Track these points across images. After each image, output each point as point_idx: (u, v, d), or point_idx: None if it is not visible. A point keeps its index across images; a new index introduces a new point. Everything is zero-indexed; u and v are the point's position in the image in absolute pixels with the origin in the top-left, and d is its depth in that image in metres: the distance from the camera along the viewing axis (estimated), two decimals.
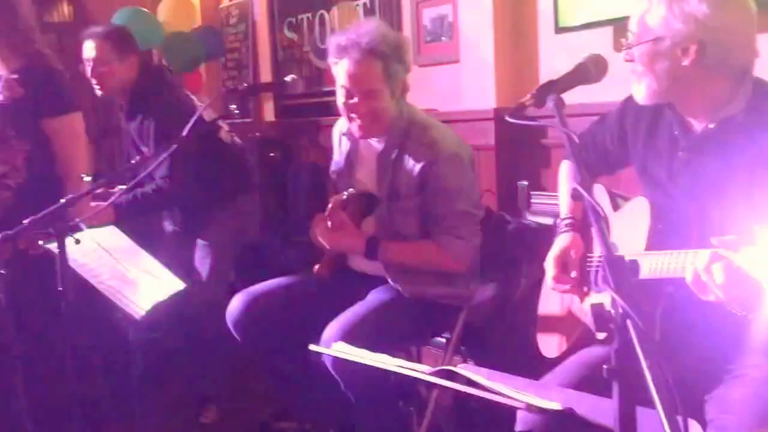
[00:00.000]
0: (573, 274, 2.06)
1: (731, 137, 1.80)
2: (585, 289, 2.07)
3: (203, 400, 3.62)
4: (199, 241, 3.53)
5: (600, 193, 2.15)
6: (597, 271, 2.04)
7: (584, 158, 2.18)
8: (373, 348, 1.66)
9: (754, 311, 1.64)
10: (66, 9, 6.99)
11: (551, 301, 2.24)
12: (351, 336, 2.36)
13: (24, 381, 3.06)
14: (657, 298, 1.76)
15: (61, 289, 2.29)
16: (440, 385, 1.46)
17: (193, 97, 3.58)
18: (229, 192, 3.53)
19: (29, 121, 2.98)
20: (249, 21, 5.37)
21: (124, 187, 2.66)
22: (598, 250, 2.06)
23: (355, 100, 2.60)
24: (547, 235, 2.25)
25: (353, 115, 2.63)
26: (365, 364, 1.58)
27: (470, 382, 1.40)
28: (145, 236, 2.89)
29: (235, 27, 5.53)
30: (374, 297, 2.68)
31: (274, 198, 4.73)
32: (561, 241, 2.12)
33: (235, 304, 2.81)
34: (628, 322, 1.20)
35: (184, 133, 3.26)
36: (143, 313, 2.52)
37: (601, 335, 1.82)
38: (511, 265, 2.84)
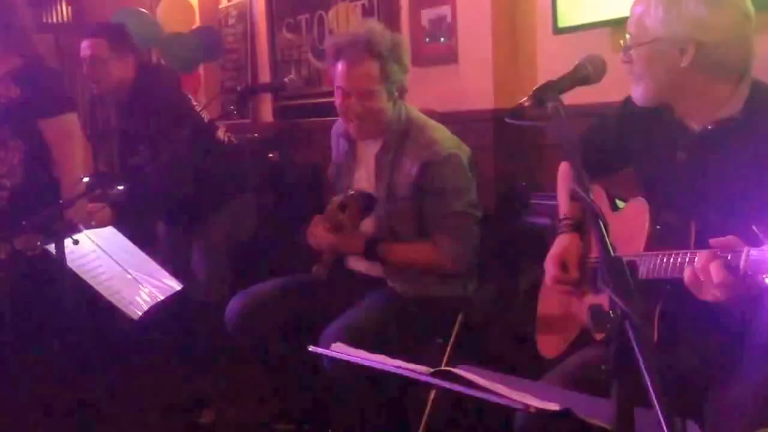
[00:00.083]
0: (572, 273, 2.06)
1: (729, 138, 1.80)
2: (584, 289, 2.07)
3: (201, 400, 3.61)
4: (195, 243, 3.52)
5: (599, 194, 2.15)
6: (596, 272, 2.04)
7: (583, 159, 2.18)
8: (373, 351, 1.66)
9: (752, 311, 1.64)
10: (65, 9, 6.99)
11: (550, 301, 2.24)
12: (350, 340, 2.36)
13: (22, 381, 3.06)
14: (655, 299, 1.77)
15: (59, 289, 2.29)
16: (439, 386, 1.46)
17: (191, 97, 3.58)
18: (225, 192, 3.52)
19: (25, 121, 2.99)
20: (248, 22, 5.37)
21: (122, 187, 2.66)
22: (597, 251, 2.06)
23: (352, 100, 2.60)
24: (545, 235, 2.25)
25: (350, 116, 2.64)
26: (364, 365, 1.58)
27: (469, 383, 1.40)
28: (140, 239, 2.89)
29: (234, 28, 5.53)
30: (372, 300, 2.68)
31: (272, 198, 4.72)
32: (560, 242, 2.13)
33: (234, 304, 2.81)
34: (627, 322, 1.20)
35: (184, 132, 3.28)
36: (141, 313, 2.52)
37: (599, 336, 1.82)
38: (510, 266, 2.84)
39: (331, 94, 2.77)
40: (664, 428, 1.10)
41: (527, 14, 3.35)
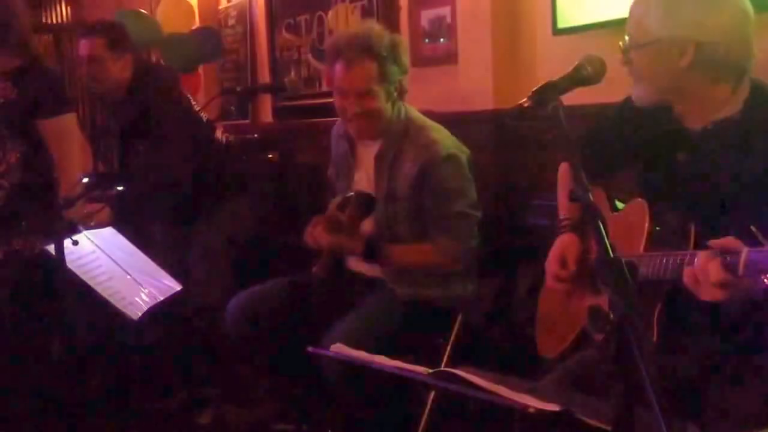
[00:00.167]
0: (572, 273, 2.06)
1: (729, 138, 1.80)
2: (584, 290, 2.07)
3: (200, 400, 3.61)
4: (193, 244, 3.52)
5: (598, 195, 2.15)
6: (595, 273, 2.04)
7: (582, 160, 2.18)
8: (373, 353, 1.66)
9: (752, 311, 1.64)
10: (64, 10, 7.00)
11: (550, 302, 2.24)
12: (351, 345, 2.36)
13: (22, 381, 3.06)
14: (655, 300, 1.76)
15: (59, 290, 2.29)
16: (438, 387, 1.46)
17: (190, 96, 3.58)
18: (223, 192, 3.51)
19: (23, 121, 2.99)
20: (247, 22, 5.36)
21: (122, 188, 2.66)
22: (596, 252, 2.06)
23: (350, 100, 2.60)
24: (545, 236, 2.25)
25: (348, 116, 2.64)
26: (363, 366, 1.58)
27: (468, 384, 1.40)
28: (136, 240, 2.88)
29: (234, 28, 5.52)
30: (372, 303, 2.68)
31: (272, 199, 4.72)
32: (560, 242, 2.13)
33: (234, 304, 2.81)
34: (626, 323, 1.20)
35: (183, 132, 3.28)
36: (140, 314, 2.52)
37: (598, 336, 1.82)
38: (509, 267, 2.85)
39: (330, 94, 2.77)
40: (663, 429, 1.10)
41: (527, 15, 3.35)
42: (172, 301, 2.72)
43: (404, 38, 3.17)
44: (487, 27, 3.35)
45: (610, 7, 2.85)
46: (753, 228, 1.48)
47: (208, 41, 5.17)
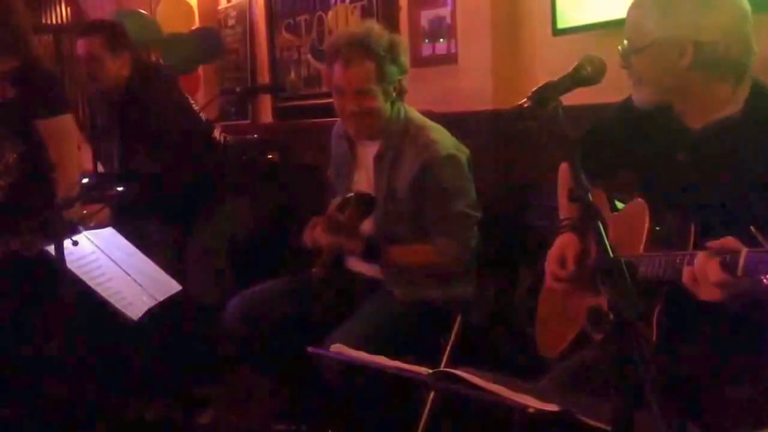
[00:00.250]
0: (572, 272, 2.06)
1: (730, 138, 1.80)
2: (583, 290, 2.07)
3: (200, 401, 3.61)
4: (191, 245, 3.51)
5: (598, 196, 2.15)
6: (595, 273, 2.04)
7: (582, 160, 2.18)
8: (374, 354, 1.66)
9: (751, 310, 1.64)
10: (64, 10, 7.00)
11: (550, 302, 2.25)
12: (351, 345, 2.36)
13: (21, 381, 3.06)
14: (654, 300, 1.76)
15: (59, 290, 2.29)
16: (438, 387, 1.46)
17: (188, 96, 3.57)
18: (220, 193, 3.51)
19: (21, 121, 2.99)
20: (247, 22, 5.36)
21: (121, 188, 2.66)
22: (596, 252, 2.06)
23: (348, 100, 2.61)
24: (544, 236, 2.25)
25: (346, 116, 2.65)
26: (363, 366, 1.58)
27: (468, 384, 1.41)
28: (135, 241, 2.88)
29: (234, 28, 5.53)
30: (372, 305, 2.68)
31: (272, 199, 4.72)
32: (560, 241, 2.13)
33: (233, 305, 2.82)
34: (626, 323, 1.20)
35: (182, 132, 3.28)
36: (140, 314, 2.52)
37: (598, 336, 1.82)
38: (509, 267, 2.85)
39: (330, 95, 2.77)
40: (663, 429, 1.10)
41: (526, 15, 3.35)
42: (171, 301, 2.72)
43: (404, 38, 3.17)
44: (486, 27, 3.36)
45: (610, 7, 2.85)
46: (752, 228, 1.48)
47: (207, 41, 5.17)
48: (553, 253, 2.11)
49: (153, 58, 5.33)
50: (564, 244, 2.11)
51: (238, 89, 5.43)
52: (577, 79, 1.75)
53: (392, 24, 3.91)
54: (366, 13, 4.19)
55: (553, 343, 2.15)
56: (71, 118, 3.15)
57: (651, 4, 1.82)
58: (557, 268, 2.07)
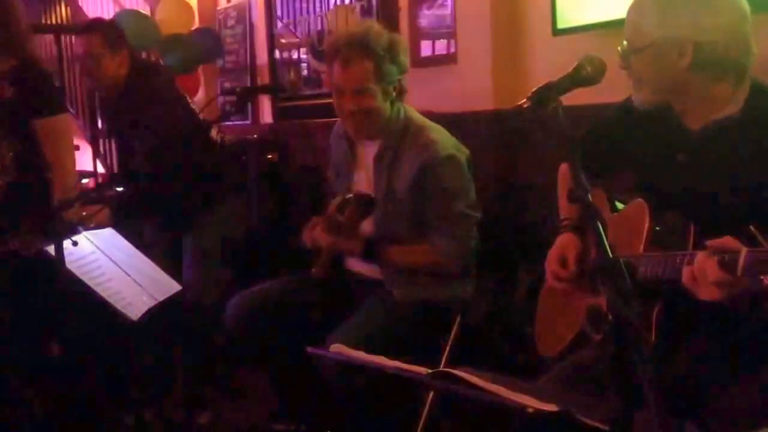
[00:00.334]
0: (573, 273, 2.06)
1: (729, 138, 1.80)
2: (583, 290, 2.07)
3: (200, 401, 3.61)
4: (186, 246, 3.51)
5: (598, 196, 2.15)
6: (595, 273, 2.04)
7: (582, 160, 2.18)
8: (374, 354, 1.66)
9: (750, 311, 1.64)
10: (64, 10, 7.00)
11: (549, 302, 2.25)
12: (350, 345, 2.36)
13: (21, 381, 3.06)
14: (654, 300, 1.76)
15: (58, 290, 2.29)
16: (437, 387, 1.46)
17: (186, 95, 3.57)
18: (218, 192, 3.51)
19: (18, 121, 2.99)
20: (247, 23, 5.37)
21: (121, 189, 2.66)
22: (596, 253, 2.06)
23: (346, 99, 2.61)
24: (544, 237, 2.25)
25: (346, 115, 2.65)
26: (362, 366, 1.58)
27: (467, 384, 1.41)
28: (131, 242, 2.88)
29: (233, 29, 5.53)
30: (371, 305, 2.67)
31: (272, 200, 4.73)
32: (560, 241, 2.13)
33: (233, 305, 2.81)
34: (625, 323, 1.20)
35: (181, 130, 3.27)
36: (140, 314, 2.52)
37: (597, 336, 1.82)
38: (508, 267, 2.85)
39: (330, 95, 2.77)
40: (661, 429, 1.10)
41: (526, 15, 3.35)
42: (170, 301, 2.72)
43: (404, 38, 3.17)
44: (486, 27, 3.36)
45: (610, 7, 2.86)
46: (752, 228, 1.48)
47: (207, 42, 5.18)
48: (553, 253, 2.11)
49: (152, 58, 5.33)
50: (565, 244, 2.11)
51: (237, 89, 5.42)
52: (576, 79, 1.75)
53: (392, 24, 3.91)
54: (366, 13, 4.20)
55: (552, 342, 2.15)
56: (68, 118, 3.15)
57: (651, 4, 1.82)
58: (558, 267, 2.07)
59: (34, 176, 3.04)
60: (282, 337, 2.78)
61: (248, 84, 5.37)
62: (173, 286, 2.79)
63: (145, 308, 2.55)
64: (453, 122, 3.06)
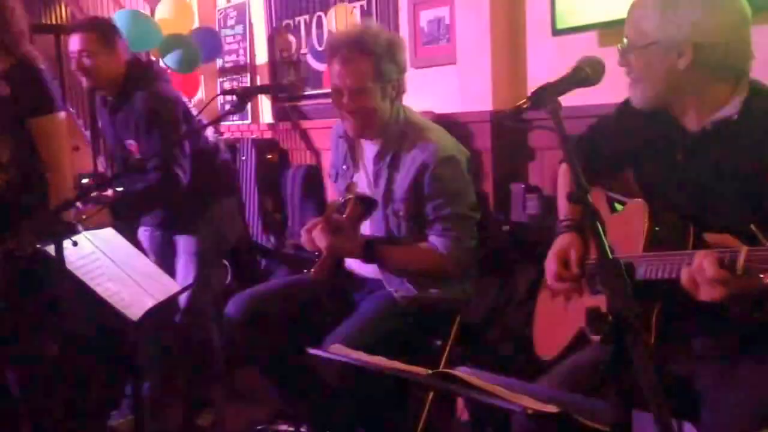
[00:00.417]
0: (573, 270, 2.06)
1: (728, 139, 1.81)
2: (582, 290, 2.07)
3: (199, 402, 3.61)
4: (181, 247, 3.50)
5: (597, 196, 2.16)
6: (594, 274, 2.04)
7: (582, 161, 2.18)
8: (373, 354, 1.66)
9: (750, 311, 1.64)
10: (64, 10, 7.00)
11: (548, 302, 2.25)
12: (350, 345, 2.36)
13: (21, 381, 3.06)
14: (653, 301, 1.77)
15: (58, 291, 2.29)
16: (437, 388, 1.46)
17: (180, 92, 3.57)
18: (211, 194, 3.50)
19: (15, 119, 2.99)
20: (247, 23, 5.37)
21: (120, 189, 2.66)
22: (595, 253, 2.06)
23: (345, 98, 2.61)
24: (543, 237, 2.25)
25: (345, 114, 2.65)
26: (362, 367, 1.58)
27: (467, 385, 1.41)
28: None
29: (233, 29, 5.53)
30: (371, 305, 2.67)
31: (271, 200, 4.73)
32: (561, 241, 2.13)
33: (233, 305, 2.81)
34: (624, 324, 1.20)
35: (178, 129, 3.27)
36: (140, 315, 2.52)
37: (596, 337, 1.82)
38: (507, 268, 2.85)
39: (329, 95, 2.78)
40: (661, 430, 1.10)
41: (526, 16, 3.36)
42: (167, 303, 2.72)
43: (403, 39, 3.17)
44: (486, 28, 3.36)
45: (609, 7, 2.86)
46: (753, 227, 1.48)
47: (207, 42, 5.17)
48: (554, 254, 2.11)
49: (152, 59, 5.33)
50: (566, 244, 2.11)
51: (237, 90, 5.43)
52: (575, 79, 1.75)
53: (391, 25, 3.91)
54: (365, 13, 4.20)
55: (551, 343, 2.15)
56: (63, 118, 3.15)
57: (653, 4, 1.82)
58: (561, 268, 2.07)
59: (31, 175, 3.04)
60: (282, 337, 2.78)
61: (248, 84, 5.37)
62: (173, 287, 2.79)
63: (145, 309, 2.55)
64: (452, 123, 3.06)
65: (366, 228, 2.73)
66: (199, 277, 3.44)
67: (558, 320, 2.17)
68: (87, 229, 2.66)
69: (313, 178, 4.52)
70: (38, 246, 2.42)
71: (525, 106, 1.72)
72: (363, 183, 2.79)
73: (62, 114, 3.12)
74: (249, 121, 5.40)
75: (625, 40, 1.89)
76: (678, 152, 1.90)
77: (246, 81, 5.42)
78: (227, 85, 5.64)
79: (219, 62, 5.62)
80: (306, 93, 4.75)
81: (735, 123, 1.80)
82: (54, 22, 7.08)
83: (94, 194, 2.97)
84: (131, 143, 3.35)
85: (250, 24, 5.34)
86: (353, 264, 2.82)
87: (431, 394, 2.52)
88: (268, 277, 3.04)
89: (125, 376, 3.46)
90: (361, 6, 4.23)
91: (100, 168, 5.46)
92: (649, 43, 1.81)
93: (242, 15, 5.42)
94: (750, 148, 1.77)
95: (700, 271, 1.53)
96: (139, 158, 3.30)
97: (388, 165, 2.67)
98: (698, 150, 1.86)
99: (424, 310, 2.65)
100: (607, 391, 1.22)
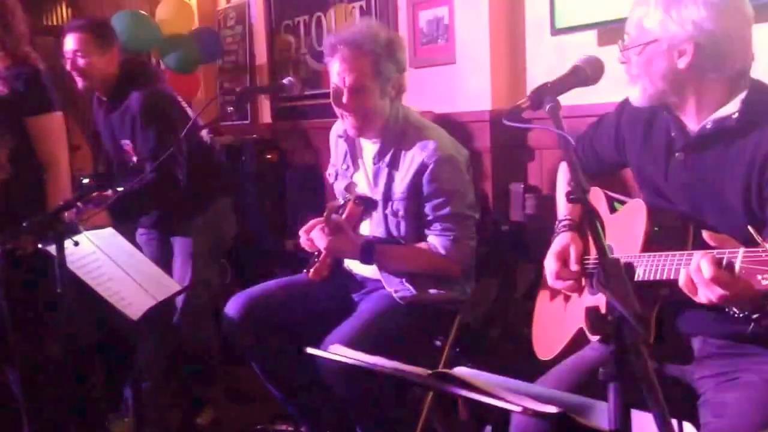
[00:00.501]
0: (572, 269, 2.06)
1: (727, 138, 1.81)
2: (581, 290, 2.08)
3: (199, 401, 3.61)
4: (177, 248, 3.50)
5: (597, 196, 2.16)
6: (593, 274, 2.04)
7: (581, 160, 2.19)
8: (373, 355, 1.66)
9: (748, 311, 1.64)
10: (64, 11, 7.00)
11: (547, 303, 2.25)
12: (349, 345, 2.36)
13: (21, 381, 3.06)
14: (653, 301, 1.77)
15: (59, 290, 2.29)
16: (436, 388, 1.46)
17: (177, 95, 3.56)
18: (206, 195, 3.50)
19: (12, 118, 3.00)
20: (246, 23, 5.37)
21: (120, 189, 2.65)
22: (594, 253, 2.06)
23: (344, 96, 2.61)
24: (542, 237, 2.25)
25: (344, 113, 2.65)
26: (361, 367, 1.58)
27: (466, 385, 1.41)
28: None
29: (233, 29, 5.53)
30: (370, 305, 2.68)
31: (271, 200, 4.73)
32: (560, 240, 2.13)
33: (233, 305, 2.81)
34: (623, 324, 1.20)
35: (174, 129, 3.27)
36: (140, 314, 2.52)
37: (596, 337, 1.82)
38: (507, 268, 2.85)
39: (328, 95, 2.77)
40: (661, 430, 1.10)
41: (525, 15, 3.35)
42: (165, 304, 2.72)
43: (403, 38, 3.17)
44: (485, 28, 3.35)
45: (608, 7, 2.86)
46: (750, 228, 1.48)
47: (207, 42, 5.17)
48: (553, 253, 2.11)
49: (152, 59, 5.33)
50: (565, 243, 2.11)
51: (237, 90, 5.43)
52: (574, 79, 1.76)
53: (390, 25, 3.91)
54: (364, 14, 4.20)
55: (550, 343, 2.15)
56: (60, 117, 3.15)
57: (655, 2, 1.81)
58: (560, 267, 2.07)
59: (29, 175, 3.04)
60: (282, 337, 2.78)
61: (247, 84, 5.37)
62: (174, 286, 2.79)
63: (145, 308, 2.56)
64: (451, 122, 3.06)
65: (366, 227, 2.73)
66: (195, 277, 3.44)
67: (558, 320, 2.17)
68: (86, 229, 2.66)
69: (312, 178, 4.52)
70: (39, 246, 2.43)
71: (524, 105, 1.72)
72: (362, 182, 2.79)
73: (60, 113, 3.13)
74: (249, 121, 5.40)
75: (626, 37, 1.89)
76: (677, 151, 1.90)
77: (245, 81, 5.42)
78: (227, 86, 5.64)
79: (219, 62, 5.62)
80: (305, 93, 4.75)
81: (735, 122, 1.80)
82: (55, 23, 7.07)
83: (94, 194, 2.96)
84: (127, 143, 3.35)
85: (250, 24, 5.34)
86: (353, 264, 2.82)
87: (431, 394, 2.51)
88: (267, 277, 3.02)
89: (125, 376, 3.46)
90: (360, 6, 4.23)
91: (101, 168, 5.46)
92: (650, 41, 1.81)
93: (242, 15, 5.42)
94: (750, 147, 1.77)
95: (697, 272, 1.53)
96: (137, 159, 3.31)
97: (387, 164, 2.67)
98: (698, 149, 1.86)
99: (424, 310, 2.65)
100: (607, 392, 1.22)
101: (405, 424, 2.59)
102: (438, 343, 2.70)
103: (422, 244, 2.65)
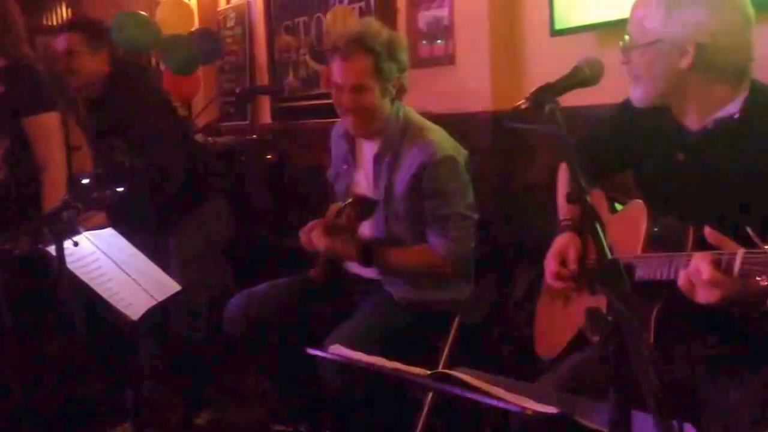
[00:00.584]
0: (573, 270, 2.06)
1: (728, 139, 1.81)
2: (581, 291, 2.08)
3: (199, 401, 3.61)
4: (172, 249, 3.50)
5: (597, 196, 2.16)
6: (593, 274, 2.04)
7: (581, 161, 2.18)
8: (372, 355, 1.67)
9: (747, 312, 1.64)
10: (64, 11, 7.01)
11: (547, 303, 2.25)
12: (349, 346, 2.37)
13: (21, 380, 3.06)
14: (653, 301, 1.77)
15: (59, 291, 2.29)
16: (436, 388, 1.46)
17: (170, 96, 3.56)
18: (201, 194, 3.50)
19: (9, 118, 3.00)
20: (246, 24, 5.37)
21: (120, 189, 2.65)
22: (594, 253, 2.06)
23: (345, 95, 2.61)
24: (542, 237, 2.25)
25: (344, 111, 2.65)
26: (361, 367, 1.58)
27: (466, 385, 1.41)
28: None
29: (233, 30, 5.53)
30: (370, 306, 2.68)
31: (270, 200, 4.73)
32: (560, 240, 2.13)
33: (233, 305, 2.82)
34: (623, 325, 1.20)
35: (167, 129, 3.27)
36: (140, 315, 2.52)
37: (596, 338, 1.82)
38: (507, 268, 2.85)
39: (328, 95, 2.78)
40: (660, 431, 1.10)
41: (524, 16, 3.35)
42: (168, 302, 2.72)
43: (404, 38, 3.17)
44: (484, 28, 3.36)
45: (608, 8, 2.86)
46: (749, 229, 1.48)
47: (207, 43, 5.18)
48: (553, 253, 2.11)
49: (152, 60, 5.34)
50: (564, 243, 2.11)
51: (237, 90, 5.43)
52: (574, 80, 1.76)
53: (390, 25, 3.91)
54: (364, 14, 4.20)
55: (550, 344, 2.15)
56: (57, 117, 3.15)
57: (656, 2, 1.81)
58: (559, 267, 2.07)
59: (25, 175, 3.04)
60: (282, 337, 2.78)
61: (247, 85, 5.37)
62: (173, 287, 2.79)
63: (145, 309, 2.56)
64: (451, 123, 3.05)
65: (366, 228, 2.73)
66: (185, 279, 3.44)
67: (558, 320, 2.17)
68: (86, 229, 2.66)
69: (312, 179, 4.52)
70: (39, 246, 2.43)
71: (524, 106, 1.72)
72: (363, 182, 2.79)
73: (56, 113, 3.13)
74: (248, 121, 5.41)
75: (627, 38, 1.89)
76: (678, 152, 1.91)
77: (245, 82, 5.42)
78: (227, 86, 5.64)
79: (219, 63, 5.62)
80: (305, 93, 4.75)
81: (736, 122, 1.80)
82: (55, 23, 7.08)
83: (94, 195, 2.96)
84: (118, 143, 3.35)
85: (250, 25, 5.35)
86: (352, 265, 2.82)
87: (431, 395, 2.51)
88: (268, 277, 3.03)
89: (125, 376, 3.46)
90: (360, 7, 4.23)
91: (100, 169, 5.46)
92: (651, 42, 1.81)
93: (242, 16, 5.42)
94: (751, 148, 1.77)
95: (696, 273, 1.53)
96: (131, 159, 3.30)
97: (387, 165, 2.67)
98: (699, 150, 1.86)
99: (424, 311, 2.65)
100: (607, 392, 1.22)
101: (405, 424, 2.59)
102: (438, 343, 2.70)
103: (421, 246, 2.65)
